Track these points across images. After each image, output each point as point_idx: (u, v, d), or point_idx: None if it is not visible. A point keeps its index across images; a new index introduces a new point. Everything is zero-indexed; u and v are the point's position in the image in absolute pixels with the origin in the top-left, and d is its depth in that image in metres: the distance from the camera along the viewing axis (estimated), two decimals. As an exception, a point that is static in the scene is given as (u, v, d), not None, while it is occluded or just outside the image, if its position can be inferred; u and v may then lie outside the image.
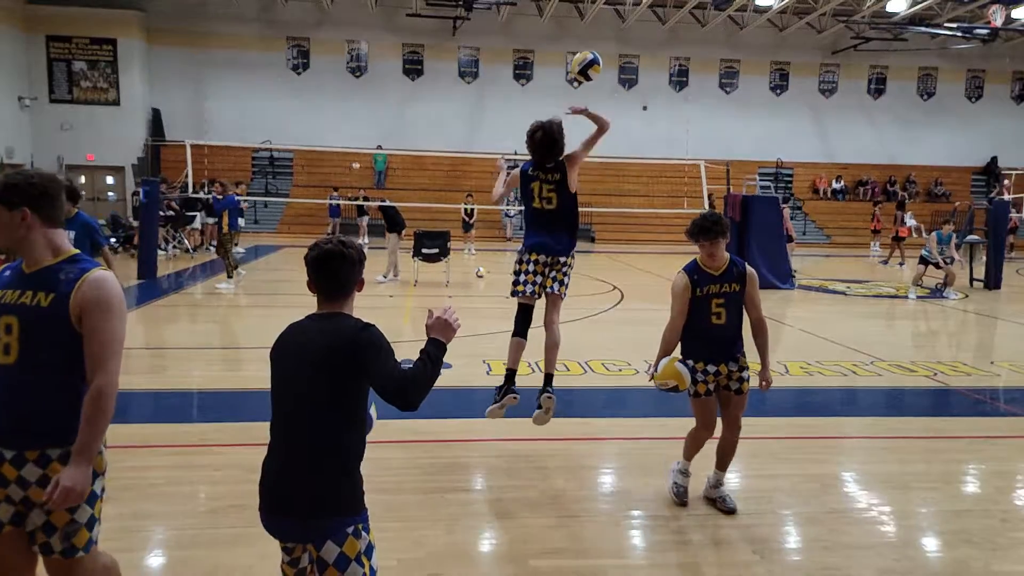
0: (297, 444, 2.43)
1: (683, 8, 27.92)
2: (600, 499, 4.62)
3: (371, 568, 2.43)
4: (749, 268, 4.29)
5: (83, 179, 25.69)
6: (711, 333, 4.22)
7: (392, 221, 14.12)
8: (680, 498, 4.33)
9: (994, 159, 31.66)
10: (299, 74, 28.52)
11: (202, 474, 4.71)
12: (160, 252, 16.97)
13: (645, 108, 29.84)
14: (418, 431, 5.49)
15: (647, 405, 6.65)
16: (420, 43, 28.80)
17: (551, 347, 5.23)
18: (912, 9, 26.59)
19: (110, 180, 26.52)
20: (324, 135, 27.08)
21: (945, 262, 14.09)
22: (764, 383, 4.24)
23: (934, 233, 14.36)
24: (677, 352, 4.30)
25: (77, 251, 2.57)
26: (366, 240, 22.11)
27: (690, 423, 4.40)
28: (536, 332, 5.38)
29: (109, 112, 26.18)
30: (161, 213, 17.09)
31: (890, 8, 26.59)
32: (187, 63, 27.31)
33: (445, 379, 7.13)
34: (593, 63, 5.37)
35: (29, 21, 25.36)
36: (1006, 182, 26.91)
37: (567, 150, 5.13)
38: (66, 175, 23.23)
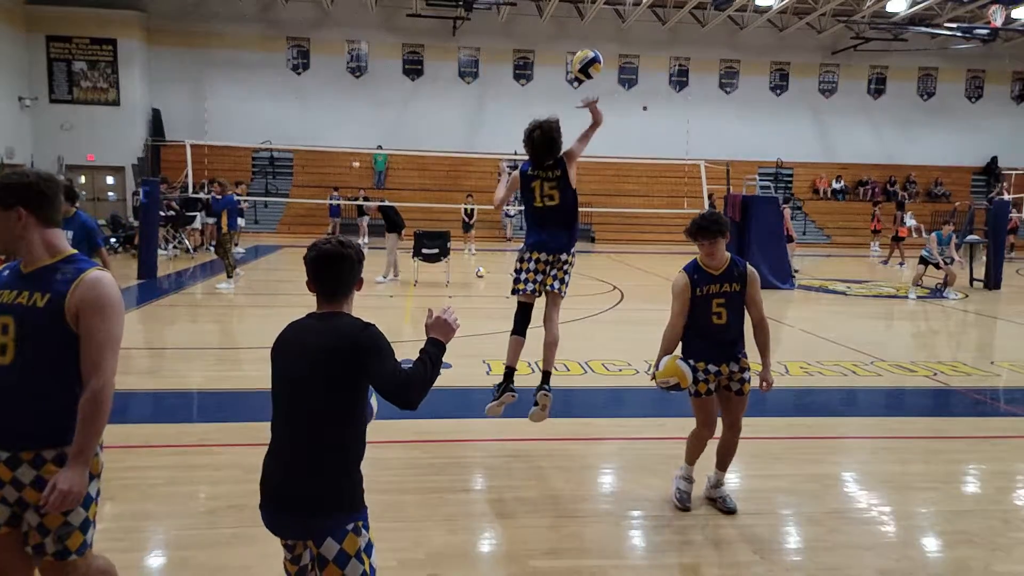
0: (297, 442, 2.44)
1: (683, 8, 27.92)
2: (600, 499, 4.62)
3: (371, 566, 2.44)
4: (750, 268, 4.27)
5: (83, 179, 25.71)
6: (712, 333, 4.21)
7: (391, 221, 14.12)
8: (683, 504, 4.29)
9: (994, 159, 31.66)
10: (299, 74, 28.52)
11: (202, 474, 4.71)
12: (161, 252, 16.98)
13: (645, 108, 29.84)
14: (418, 431, 5.49)
15: (647, 405, 6.65)
16: (420, 43, 28.81)
17: (550, 345, 5.25)
18: (912, 9, 26.60)
19: (110, 180, 26.52)
20: (324, 135, 27.08)
21: (945, 262, 14.09)
22: (765, 384, 4.22)
23: (934, 234, 14.36)
24: (678, 351, 4.30)
25: (75, 251, 2.55)
26: (366, 240, 22.10)
27: (690, 423, 4.40)
28: (536, 332, 5.38)
29: (109, 112, 26.19)
30: (162, 213, 17.09)
31: (890, 8, 26.59)
32: (187, 63, 27.31)
33: (445, 379, 7.14)
34: (594, 61, 5.38)
35: (29, 21, 25.36)
36: (1003, 184, 26.91)
37: (564, 147, 5.14)
38: (66, 175, 23.28)
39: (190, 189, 18.42)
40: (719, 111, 30.02)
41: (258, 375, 6.48)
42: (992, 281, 15.22)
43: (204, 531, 3.92)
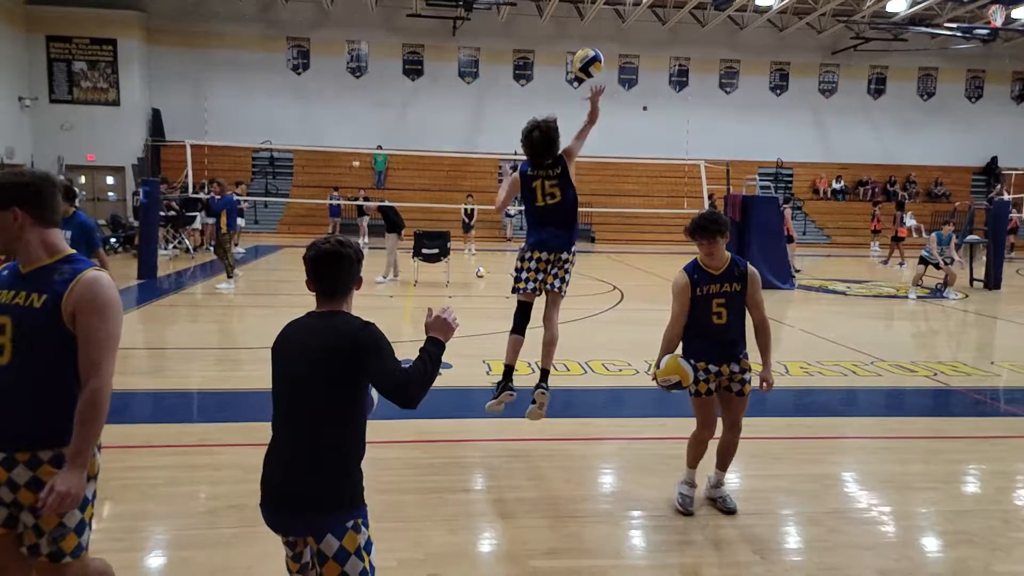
0: (298, 440, 2.45)
1: (683, 8, 27.92)
2: (600, 499, 4.62)
3: (370, 563, 2.45)
4: (751, 268, 4.25)
5: (83, 179, 25.70)
6: (712, 333, 4.20)
7: (391, 221, 14.12)
8: (686, 508, 4.25)
9: (994, 159, 31.67)
10: (299, 74, 28.52)
11: (202, 474, 4.71)
12: (161, 252, 16.99)
13: (645, 108, 29.84)
14: (418, 431, 5.49)
15: (647, 405, 6.65)
16: (420, 43, 28.81)
17: (549, 343, 5.28)
18: (912, 9, 26.60)
19: (110, 180, 26.52)
20: (324, 135, 27.09)
21: (945, 262, 14.09)
22: (765, 384, 4.20)
23: (934, 234, 14.36)
24: (679, 350, 4.29)
25: (73, 251, 2.53)
26: (366, 240, 22.10)
27: (690, 423, 4.40)
28: (536, 332, 5.38)
29: (109, 112, 26.18)
30: (162, 213, 17.09)
31: (890, 8, 26.60)
32: (187, 63, 27.31)
33: (445, 379, 7.15)
34: (594, 60, 5.40)
35: (29, 21, 25.36)
36: (1001, 185, 26.92)
37: (562, 145, 5.17)
38: (66, 175, 23.27)
39: (190, 189, 18.41)
40: (719, 111, 30.01)
41: (258, 375, 6.49)
42: (992, 281, 15.22)
43: (204, 531, 3.92)
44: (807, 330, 10.35)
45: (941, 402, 7.18)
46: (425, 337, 2.59)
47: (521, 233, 23.99)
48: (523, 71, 29.58)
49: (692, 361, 4.19)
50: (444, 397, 6.38)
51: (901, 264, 19.77)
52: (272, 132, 26.71)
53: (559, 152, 5.14)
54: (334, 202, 23.92)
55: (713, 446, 4.39)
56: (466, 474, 4.93)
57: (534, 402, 5.25)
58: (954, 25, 27.49)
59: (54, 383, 2.41)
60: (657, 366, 4.19)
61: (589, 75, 5.47)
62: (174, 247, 18.71)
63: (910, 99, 31.56)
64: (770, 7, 27.04)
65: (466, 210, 21.88)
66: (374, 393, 2.63)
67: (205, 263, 16.87)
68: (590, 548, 3.90)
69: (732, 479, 4.61)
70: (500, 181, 27.82)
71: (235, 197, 14.81)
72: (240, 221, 18.60)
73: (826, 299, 13.95)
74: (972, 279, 15.67)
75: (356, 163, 27.35)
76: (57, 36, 25.83)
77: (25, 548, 2.44)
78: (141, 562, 3.66)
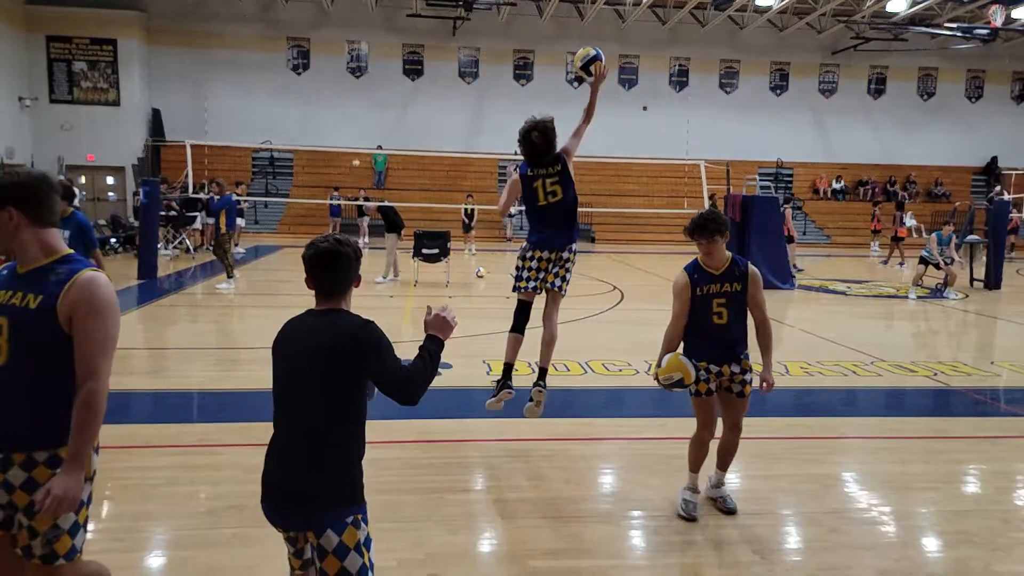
0: (298, 438, 2.46)
1: (683, 8, 27.92)
2: (600, 499, 4.62)
3: (369, 560, 2.47)
4: (752, 268, 4.24)
5: (83, 179, 25.69)
6: (712, 333, 4.19)
7: (391, 222, 14.13)
8: (689, 513, 4.20)
9: (994, 159, 31.66)
10: (299, 74, 28.52)
11: (202, 474, 4.71)
12: (162, 253, 17.01)
13: (645, 108, 29.83)
14: (418, 431, 5.49)
15: (647, 405, 6.66)
16: (420, 43, 28.80)
17: (547, 342, 5.31)
18: (912, 9, 26.59)
19: (110, 180, 26.51)
20: (324, 135, 27.08)
21: (945, 263, 14.09)
22: (765, 384, 4.19)
23: (934, 234, 14.36)
24: (680, 350, 4.28)
25: (71, 251, 2.52)
26: (366, 240, 22.10)
27: (690, 423, 4.39)
28: (537, 332, 5.39)
29: (109, 112, 26.17)
30: (162, 213, 17.09)
31: (890, 8, 26.59)
32: (187, 63, 27.30)
33: (445, 379, 7.16)
34: (595, 59, 5.41)
35: (29, 21, 25.35)
36: (997, 187, 26.93)
37: (559, 144, 5.19)
38: (66, 175, 23.26)
39: (190, 189, 18.41)
40: (719, 111, 30.01)
41: (258, 375, 6.49)
42: (992, 281, 15.22)
43: (205, 531, 3.92)
44: (807, 330, 10.35)
45: (941, 402, 7.18)
46: (424, 336, 2.61)
47: (521, 233, 24.01)
48: (523, 71, 29.58)
49: (694, 360, 4.19)
50: (444, 397, 6.39)
51: (901, 264, 19.77)
52: (272, 132, 26.70)
53: (557, 151, 5.15)
54: (334, 202, 23.91)
55: (713, 446, 4.38)
56: (466, 474, 4.93)
57: (531, 400, 5.30)
58: (954, 25, 27.49)
59: (50, 384, 2.39)
60: (658, 365, 4.18)
61: (590, 74, 5.50)
62: (174, 247, 18.71)
63: (910, 99, 31.55)
64: (770, 7, 27.03)
65: (466, 210, 21.87)
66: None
67: (205, 263, 16.87)
68: (590, 548, 3.90)
69: (732, 479, 4.61)
70: (501, 182, 27.91)
71: (234, 197, 14.82)
72: (240, 221, 18.61)
73: (826, 299, 13.95)
74: (972, 279, 15.67)
75: (356, 162, 27.34)
76: (57, 36, 25.82)
77: (19, 549, 2.43)
78: (141, 562, 3.66)
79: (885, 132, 31.34)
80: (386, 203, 15.46)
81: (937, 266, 14.11)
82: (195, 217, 19.33)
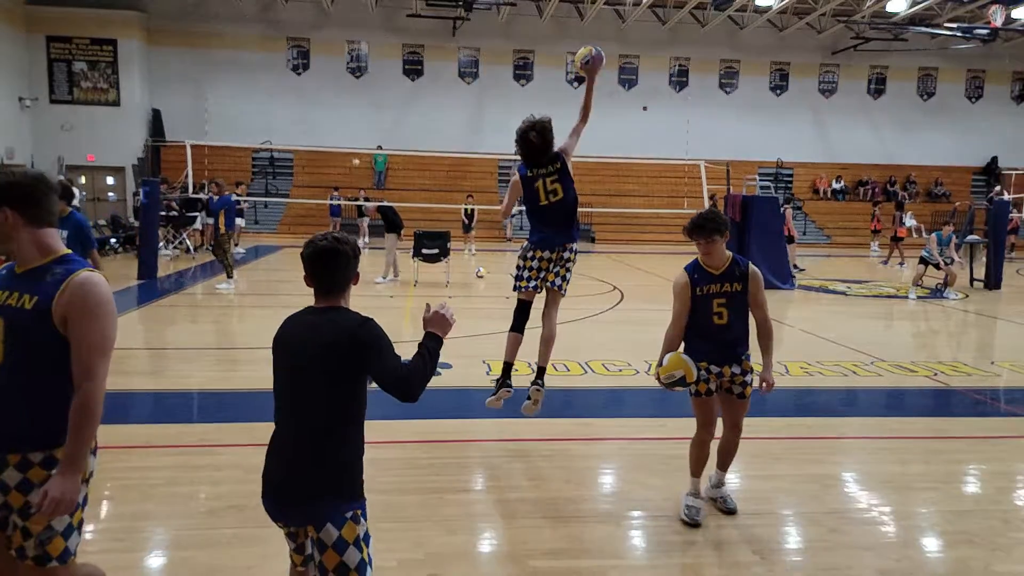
0: (299, 434, 2.48)
1: (683, 8, 27.92)
2: (600, 499, 4.62)
3: (368, 555, 2.48)
4: (752, 268, 4.21)
5: (83, 179, 25.69)
6: (712, 333, 4.17)
7: (390, 222, 14.13)
8: (693, 519, 4.14)
9: (994, 159, 31.66)
10: (299, 74, 28.51)
11: (202, 474, 4.71)
12: (163, 253, 17.02)
13: (645, 108, 29.83)
14: (418, 431, 5.49)
15: (647, 405, 6.66)
16: (420, 43, 28.80)
17: (546, 341, 5.34)
18: (912, 9, 26.59)
19: (110, 180, 26.52)
20: (324, 135, 27.08)
21: (945, 263, 14.09)
22: (764, 384, 4.16)
23: (934, 234, 14.36)
24: (681, 349, 4.27)
25: (68, 251, 2.50)
26: (366, 240, 22.10)
27: (690, 423, 4.38)
28: (536, 331, 5.39)
29: (109, 112, 26.17)
30: (163, 213, 17.09)
31: (890, 8, 26.58)
32: (187, 63, 27.30)
33: (445, 379, 7.17)
34: (595, 58, 5.41)
35: (29, 21, 25.35)
36: (997, 187, 26.94)
37: (557, 144, 5.21)
38: (66, 176, 23.25)
39: (190, 189, 18.41)
40: (719, 111, 30.01)
41: (258, 375, 6.49)
42: (992, 281, 15.22)
43: (205, 531, 3.92)
44: (807, 330, 10.35)
45: (941, 402, 7.18)
46: (424, 333, 2.64)
47: (521, 233, 24.01)
48: (523, 71, 29.58)
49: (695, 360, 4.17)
50: (444, 397, 6.39)
51: (901, 264, 19.77)
52: (272, 132, 26.71)
53: (556, 150, 5.17)
54: (334, 202, 23.91)
55: (713, 446, 4.38)
56: (466, 474, 4.93)
57: (529, 398, 5.34)
58: (954, 25, 27.48)
59: (46, 385, 2.38)
60: (659, 364, 4.16)
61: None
62: (175, 247, 18.72)
63: (910, 99, 31.55)
64: (770, 7, 27.03)
65: (466, 210, 21.85)
66: None
67: (205, 263, 16.87)
68: (590, 548, 3.90)
69: (732, 479, 4.61)
70: (501, 182, 27.92)
71: (234, 197, 14.82)
72: (240, 221, 18.61)
73: (826, 299, 13.95)
74: (972, 279, 15.67)
75: (356, 161, 27.35)
76: (57, 36, 25.82)
77: (13, 551, 2.42)
78: (141, 562, 3.66)
79: (885, 132, 31.34)
80: (385, 203, 15.46)
81: (937, 266, 14.10)
82: (195, 217, 19.33)
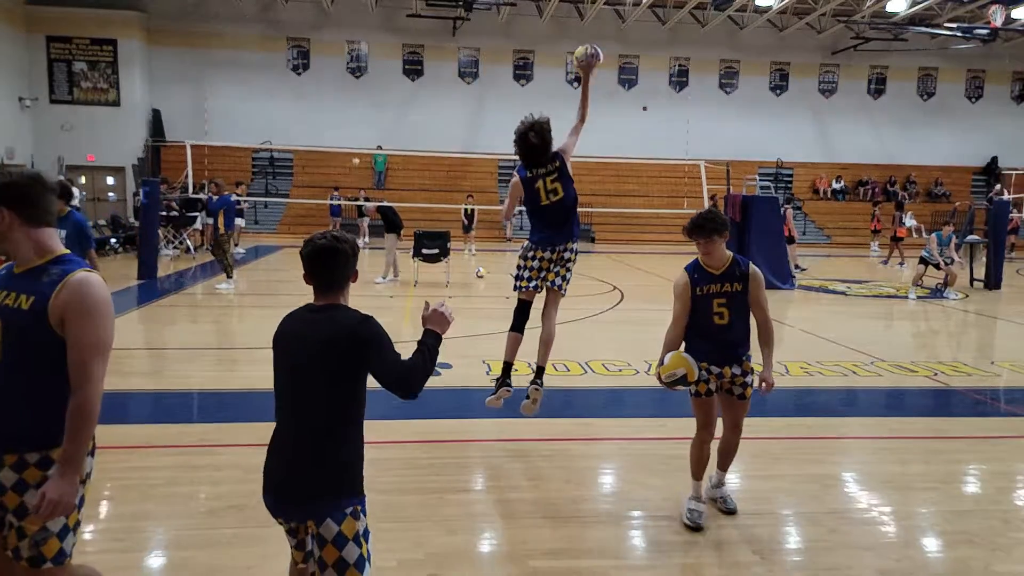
0: (299, 431, 2.50)
1: (683, 8, 27.92)
2: (600, 499, 4.62)
3: (368, 551, 2.49)
4: (753, 268, 4.20)
5: (83, 179, 25.70)
6: (713, 334, 4.16)
7: (390, 222, 14.12)
8: (695, 523, 4.11)
9: (994, 159, 31.66)
10: (299, 74, 28.51)
11: (202, 474, 4.71)
12: (164, 253, 17.01)
13: (645, 108, 29.83)
14: (418, 431, 5.49)
15: (647, 405, 6.66)
16: (420, 43, 28.80)
17: (545, 341, 5.36)
18: (912, 9, 26.59)
19: (110, 180, 26.52)
20: (324, 135, 27.08)
21: (945, 263, 14.09)
22: (764, 384, 4.14)
23: (934, 234, 14.36)
24: (682, 348, 4.26)
25: (66, 251, 2.50)
26: (366, 240, 22.10)
27: (690, 423, 4.38)
28: (536, 332, 5.39)
29: (109, 112, 26.18)
30: (163, 214, 17.09)
31: (890, 8, 26.58)
32: (187, 63, 27.30)
33: (445, 379, 7.17)
34: (593, 57, 5.42)
35: (29, 21, 25.35)
36: (997, 186, 26.95)
37: (556, 144, 5.22)
38: (67, 176, 23.25)
39: (190, 189, 18.42)
40: (719, 111, 30.01)
41: (258, 375, 6.49)
42: (992, 281, 15.22)
43: (204, 531, 3.92)
44: (807, 330, 10.35)
45: (941, 402, 7.18)
46: (423, 330, 2.66)
47: (521, 233, 24.00)
48: (523, 71, 29.58)
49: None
50: (444, 397, 6.39)
51: (901, 264, 19.78)
52: (272, 132, 26.70)
53: (554, 150, 5.18)
54: (334, 202, 23.91)
55: (713, 447, 4.37)
56: (466, 474, 4.93)
57: (528, 397, 5.35)
58: (954, 25, 27.48)
59: (43, 386, 2.38)
60: (660, 363, 4.15)
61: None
62: (175, 247, 18.72)
63: (910, 99, 31.55)
64: (770, 7, 27.03)
65: (466, 211, 21.84)
66: None
67: (206, 263, 16.87)
68: (590, 548, 3.90)
69: (732, 479, 4.60)
70: (501, 182, 27.91)
71: (233, 197, 14.82)
72: (240, 221, 18.61)
73: (826, 299, 13.95)
74: (972, 279, 15.67)
75: (357, 160, 27.34)
76: (57, 36, 25.82)
77: (10, 552, 2.42)
78: (141, 562, 3.66)
79: (885, 132, 31.34)
80: (385, 203, 15.46)
81: (937, 266, 14.11)
82: (195, 217, 19.34)
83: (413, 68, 29.07)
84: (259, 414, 4.67)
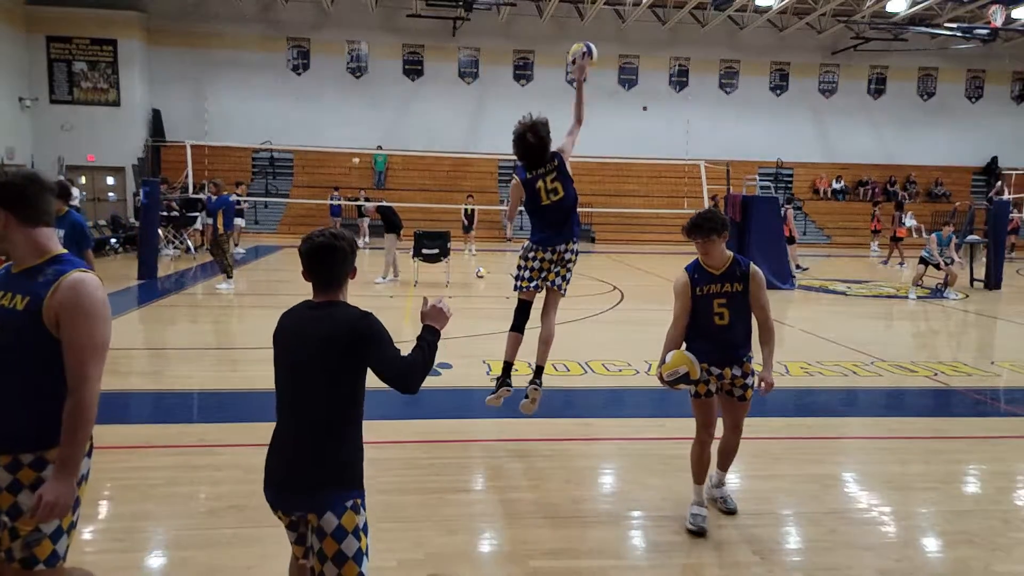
0: (300, 427, 2.51)
1: (683, 8, 27.92)
2: (600, 500, 4.62)
3: (367, 545, 2.51)
4: (753, 268, 4.18)
5: (83, 179, 25.71)
6: (713, 334, 4.15)
7: (390, 222, 14.13)
8: (698, 527, 4.07)
9: (994, 159, 31.66)
10: (299, 74, 28.52)
11: (202, 474, 4.70)
12: (164, 253, 17.00)
13: (645, 108, 29.83)
14: (418, 431, 5.49)
15: (647, 405, 6.66)
16: (420, 43, 28.81)
17: (544, 340, 5.37)
18: (912, 9, 26.59)
19: (110, 180, 26.52)
20: (324, 135, 27.08)
21: (945, 263, 14.09)
22: (764, 384, 4.11)
23: (934, 234, 14.36)
24: (683, 347, 4.25)
25: (63, 251, 2.48)
26: (367, 240, 22.09)
27: (690, 423, 4.37)
28: (536, 332, 5.39)
29: (109, 112, 26.18)
30: (163, 214, 17.09)
31: (890, 8, 26.58)
32: (187, 63, 27.30)
33: (445, 379, 7.17)
34: (586, 55, 5.42)
35: (29, 21, 25.35)
36: (998, 185, 26.93)
37: (554, 144, 5.23)
38: (67, 176, 23.25)
39: (190, 189, 18.41)
40: (719, 111, 30.01)
41: (258, 375, 6.49)
42: (992, 281, 15.22)
43: (204, 531, 3.92)
44: (807, 330, 10.35)
45: (941, 402, 7.18)
46: (422, 327, 2.68)
47: (521, 233, 24.02)
48: (523, 71, 29.58)
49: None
50: (444, 397, 6.39)
51: (901, 264, 19.77)
52: (272, 132, 26.71)
53: (553, 150, 5.19)
54: (334, 202, 23.91)
55: (714, 447, 4.37)
56: (466, 474, 4.93)
57: (527, 396, 5.37)
58: (954, 25, 27.49)
59: (38, 387, 2.36)
60: (662, 362, 4.13)
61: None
62: (175, 247, 18.72)
63: (910, 99, 31.55)
64: (770, 7, 27.03)
65: (466, 211, 21.83)
66: None
67: (206, 263, 16.86)
68: (590, 548, 3.90)
69: (732, 479, 4.60)
70: (501, 182, 27.92)
71: (232, 197, 14.82)
72: (240, 221, 18.61)
73: (826, 299, 13.95)
74: (972, 279, 15.67)
75: (356, 160, 27.35)
76: (57, 36, 25.82)
77: (3, 552, 2.40)
78: (141, 562, 3.66)
79: (885, 132, 31.34)
80: (385, 203, 15.46)
81: (937, 266, 14.11)
82: (196, 217, 19.34)
83: (413, 68, 29.07)
84: (259, 414, 4.67)
